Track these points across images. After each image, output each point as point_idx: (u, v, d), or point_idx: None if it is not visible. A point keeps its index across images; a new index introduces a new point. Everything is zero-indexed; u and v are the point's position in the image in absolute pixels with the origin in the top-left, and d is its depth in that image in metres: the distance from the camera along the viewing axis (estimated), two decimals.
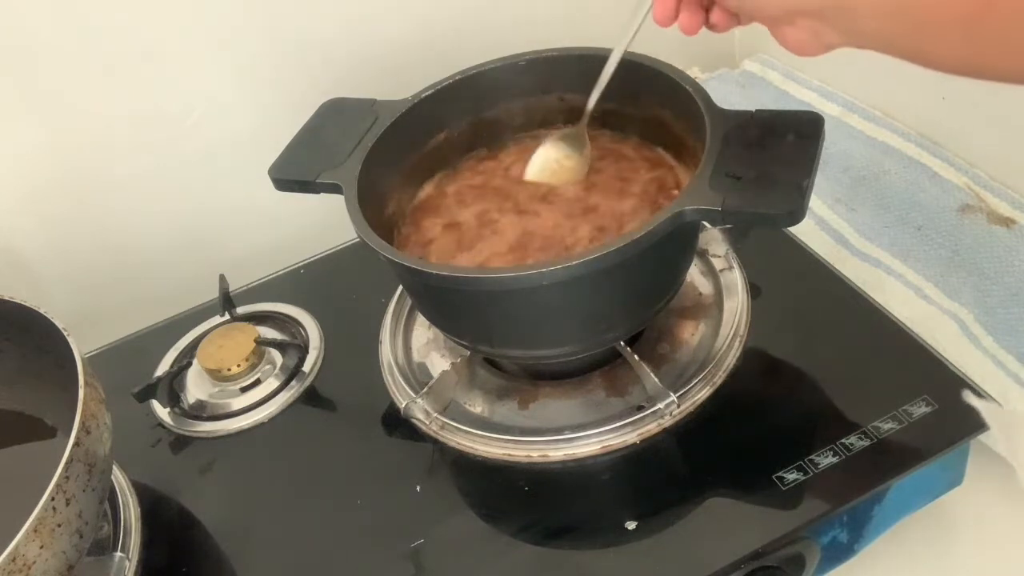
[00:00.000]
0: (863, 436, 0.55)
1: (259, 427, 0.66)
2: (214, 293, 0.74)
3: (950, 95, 0.76)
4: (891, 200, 0.74)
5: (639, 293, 0.57)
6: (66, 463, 0.48)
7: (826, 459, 0.54)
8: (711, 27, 0.54)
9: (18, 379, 0.62)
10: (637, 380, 0.60)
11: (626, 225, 0.59)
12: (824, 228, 0.74)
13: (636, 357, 0.60)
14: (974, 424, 0.55)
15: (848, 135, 0.82)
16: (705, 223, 0.63)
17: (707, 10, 0.53)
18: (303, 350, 0.70)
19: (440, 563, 0.55)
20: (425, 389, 0.62)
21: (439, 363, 0.66)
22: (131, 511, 0.61)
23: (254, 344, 0.69)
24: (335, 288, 0.76)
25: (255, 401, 0.68)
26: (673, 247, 0.56)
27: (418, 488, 0.59)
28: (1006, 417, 0.44)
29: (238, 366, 0.68)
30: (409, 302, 0.70)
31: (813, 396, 0.59)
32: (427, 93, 0.64)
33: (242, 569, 0.58)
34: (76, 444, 0.49)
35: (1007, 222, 0.70)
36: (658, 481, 0.57)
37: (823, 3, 0.46)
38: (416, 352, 0.68)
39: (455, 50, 0.71)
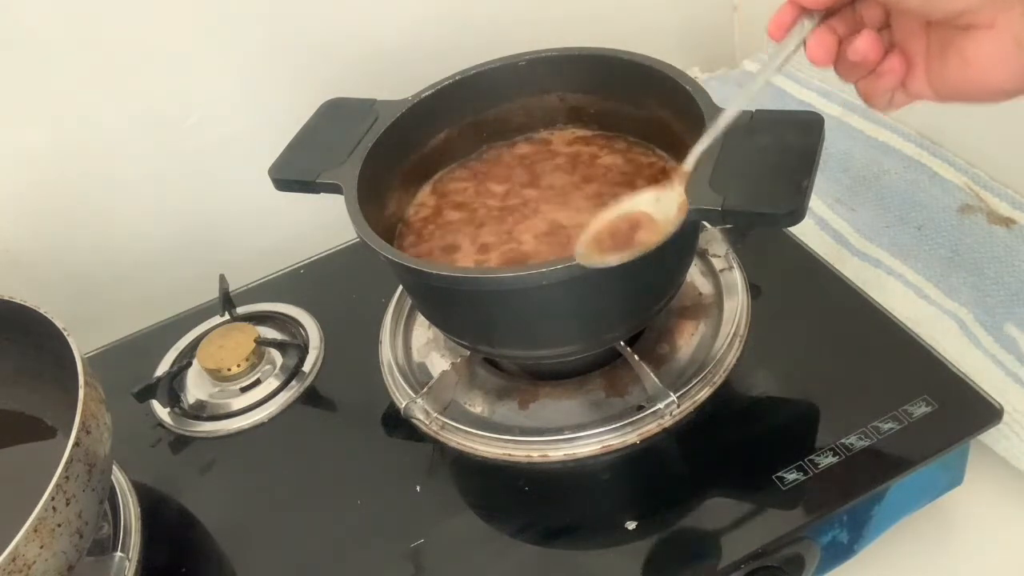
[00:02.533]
0: (863, 436, 0.55)
1: (259, 427, 0.66)
2: (214, 293, 0.74)
3: None
4: (891, 200, 0.74)
5: (639, 293, 0.57)
6: (66, 463, 0.48)
7: (826, 459, 0.54)
8: (853, 64, 0.45)
9: (18, 379, 0.62)
10: (637, 380, 0.60)
11: None
12: (824, 228, 0.74)
13: (636, 357, 0.60)
14: (974, 424, 0.55)
15: (848, 135, 0.82)
16: (705, 223, 0.63)
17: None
18: (303, 350, 0.70)
19: (440, 563, 0.55)
20: (425, 389, 0.62)
21: (439, 363, 0.66)
22: (131, 511, 0.61)
23: (254, 344, 0.69)
24: (335, 288, 0.76)
25: (255, 401, 0.68)
26: (673, 247, 0.56)
27: (418, 488, 0.59)
28: None
29: (238, 366, 0.68)
30: (409, 302, 0.70)
31: (813, 396, 0.59)
32: (427, 93, 0.64)
33: (242, 569, 0.58)
34: (76, 444, 0.49)
35: (1007, 222, 0.70)
36: (658, 481, 0.57)
37: None
38: (416, 352, 0.68)
39: (455, 50, 0.71)
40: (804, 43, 0.45)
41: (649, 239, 0.48)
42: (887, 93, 0.46)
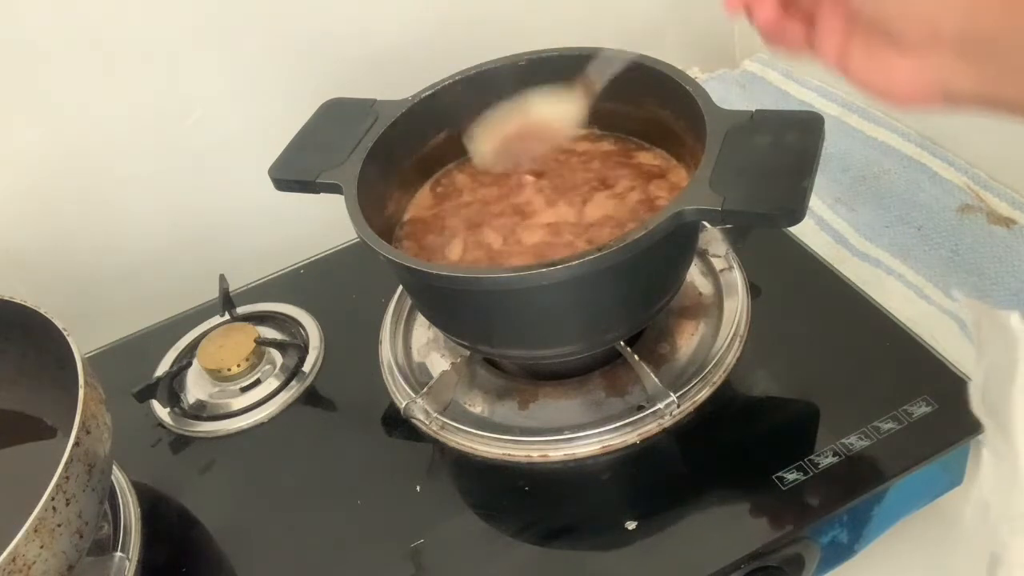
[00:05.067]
0: (863, 436, 0.55)
1: (259, 427, 0.66)
2: (214, 293, 0.74)
3: None
4: (891, 200, 0.74)
5: (639, 293, 0.57)
6: (66, 463, 0.48)
7: (826, 459, 0.54)
8: (782, 37, 0.43)
9: (18, 379, 0.62)
10: (637, 380, 0.60)
11: (626, 225, 0.59)
12: (824, 228, 0.74)
13: (636, 357, 0.60)
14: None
15: (848, 135, 0.82)
16: (705, 223, 0.63)
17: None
18: (303, 350, 0.70)
19: (440, 563, 0.55)
20: (425, 389, 0.62)
21: (439, 363, 0.66)
22: (131, 511, 0.61)
23: (254, 344, 0.69)
24: (335, 288, 0.76)
25: (255, 401, 0.68)
26: (673, 247, 0.56)
27: (418, 488, 0.59)
28: (979, 311, 0.43)
29: (238, 366, 0.68)
30: (409, 302, 0.70)
31: (813, 396, 0.59)
32: (427, 93, 0.64)
33: (242, 569, 0.58)
34: (76, 444, 0.49)
35: (1007, 222, 0.70)
36: (658, 481, 0.57)
37: (993, 25, 0.35)
38: (416, 352, 0.68)
39: (455, 50, 0.71)
40: None
41: (541, 149, 0.50)
42: (781, 48, 0.44)
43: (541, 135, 0.51)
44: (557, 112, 0.51)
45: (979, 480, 0.43)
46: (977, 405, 0.43)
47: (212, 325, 0.73)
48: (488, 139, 0.52)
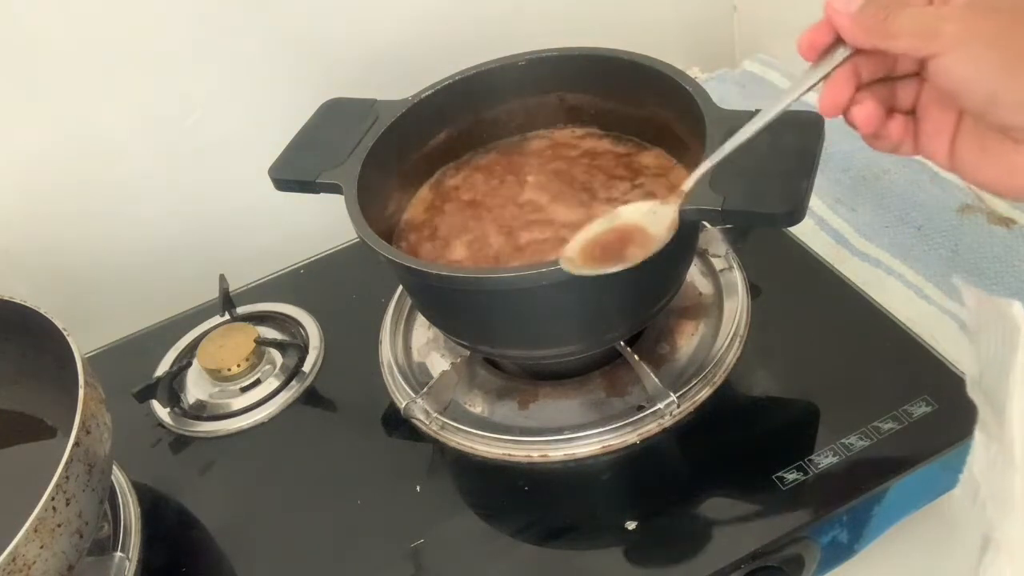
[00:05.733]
0: (863, 436, 0.55)
1: (259, 427, 0.66)
2: (214, 293, 0.74)
3: None
4: (891, 200, 0.74)
5: (639, 293, 0.57)
6: (66, 463, 0.48)
7: (826, 459, 0.54)
8: (885, 137, 0.45)
9: (18, 379, 0.62)
10: (637, 380, 0.60)
11: None
12: (824, 228, 0.74)
13: (636, 357, 0.60)
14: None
15: (848, 135, 0.80)
16: (705, 223, 0.63)
17: (893, 112, 0.44)
18: (303, 350, 0.70)
19: (440, 563, 0.55)
20: (425, 389, 0.62)
21: (439, 363, 0.66)
22: (131, 511, 0.61)
23: (254, 344, 0.69)
24: (335, 288, 0.76)
25: (255, 401, 0.68)
26: (673, 247, 0.56)
27: (418, 488, 0.59)
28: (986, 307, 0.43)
29: (238, 366, 0.68)
30: (409, 302, 0.70)
31: (813, 396, 0.59)
32: (427, 93, 0.64)
33: (242, 569, 0.58)
34: (76, 444, 0.49)
35: (1007, 222, 0.70)
36: (658, 481, 0.57)
37: None
38: (416, 352, 0.68)
39: (455, 50, 0.71)
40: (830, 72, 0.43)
41: (638, 254, 0.47)
42: (885, 147, 0.46)
43: (633, 239, 0.49)
44: (649, 217, 0.49)
45: (969, 460, 0.43)
46: (973, 388, 0.44)
47: (212, 325, 0.73)
48: (578, 240, 0.49)
